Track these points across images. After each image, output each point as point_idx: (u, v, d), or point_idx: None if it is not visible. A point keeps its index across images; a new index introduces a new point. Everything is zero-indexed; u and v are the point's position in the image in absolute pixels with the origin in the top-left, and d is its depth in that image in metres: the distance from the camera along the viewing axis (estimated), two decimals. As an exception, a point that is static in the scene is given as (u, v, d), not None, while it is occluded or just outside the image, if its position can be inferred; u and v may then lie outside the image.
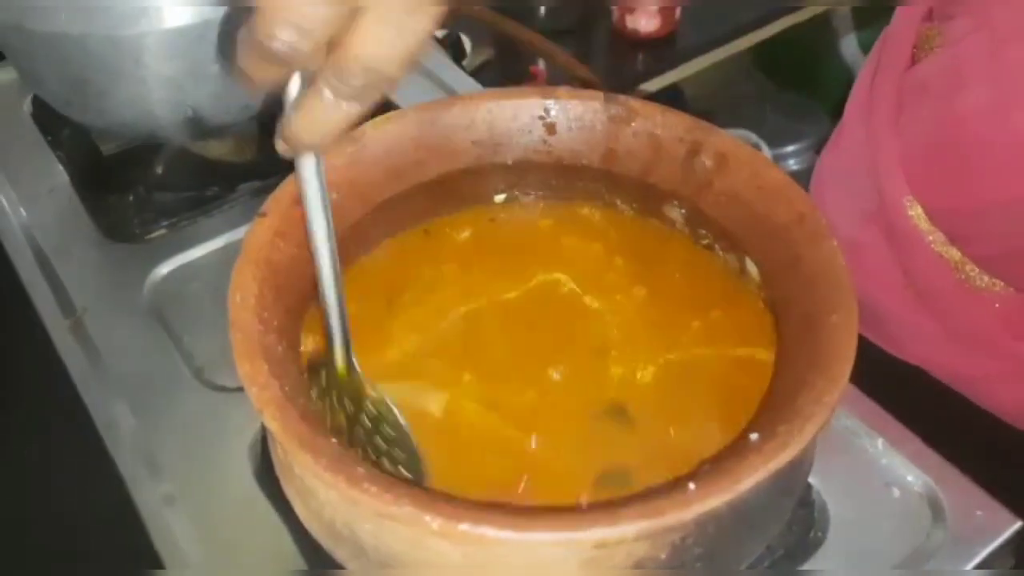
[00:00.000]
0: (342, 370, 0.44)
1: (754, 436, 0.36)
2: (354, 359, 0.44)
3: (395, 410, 0.43)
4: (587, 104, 0.50)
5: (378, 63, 0.34)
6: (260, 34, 0.33)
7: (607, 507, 0.33)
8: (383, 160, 0.48)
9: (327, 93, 0.35)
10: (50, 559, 0.55)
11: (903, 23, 0.66)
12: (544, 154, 0.51)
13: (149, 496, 0.52)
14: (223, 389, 0.56)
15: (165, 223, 0.67)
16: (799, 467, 0.42)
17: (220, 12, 0.60)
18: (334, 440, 0.35)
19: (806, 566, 0.49)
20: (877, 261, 0.69)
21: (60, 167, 0.72)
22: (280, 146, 0.38)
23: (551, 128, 0.50)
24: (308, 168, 0.39)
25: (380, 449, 0.42)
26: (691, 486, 0.34)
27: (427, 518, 0.32)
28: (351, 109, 0.36)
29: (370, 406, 0.43)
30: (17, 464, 0.60)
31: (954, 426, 0.66)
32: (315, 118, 0.36)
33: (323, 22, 0.33)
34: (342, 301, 0.43)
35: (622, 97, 0.50)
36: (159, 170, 0.69)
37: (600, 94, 0.50)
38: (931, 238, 0.64)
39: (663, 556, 0.36)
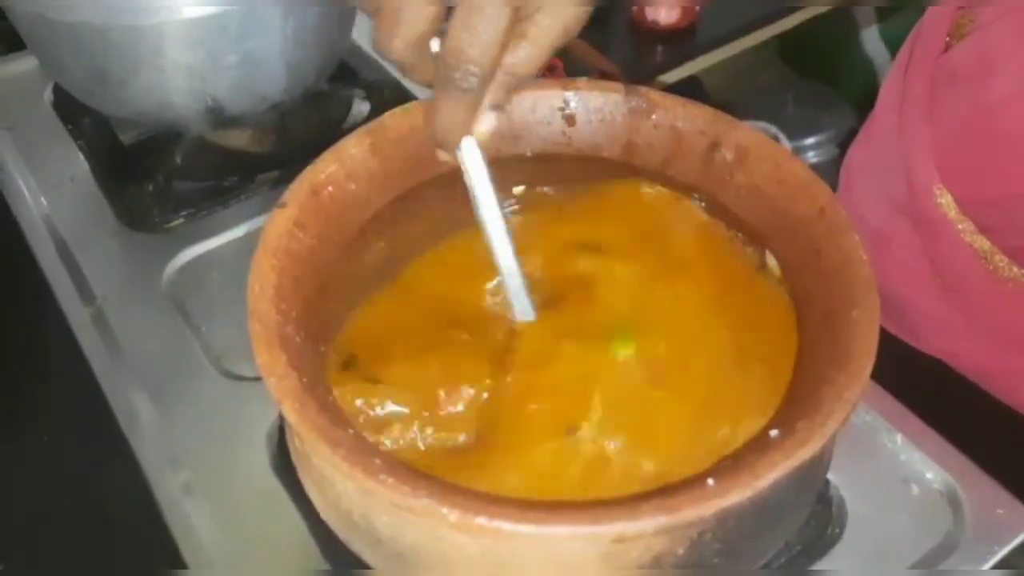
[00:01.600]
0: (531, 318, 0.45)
1: (774, 432, 0.36)
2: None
3: None
4: (607, 96, 0.49)
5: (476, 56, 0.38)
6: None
7: (627, 501, 0.33)
8: (402, 151, 0.47)
9: (451, 90, 0.39)
10: (68, 547, 0.56)
11: (938, 11, 0.65)
12: (564, 146, 0.51)
13: (167, 485, 0.52)
14: (241, 378, 0.57)
15: (184, 213, 0.67)
16: (819, 463, 0.41)
17: (238, 2, 0.60)
18: (351, 431, 0.35)
19: (823, 563, 0.48)
20: (905, 253, 0.69)
21: (81, 156, 0.73)
22: (440, 155, 0.42)
23: (571, 120, 0.50)
24: (469, 155, 0.42)
25: None
26: (710, 481, 0.33)
27: (444, 510, 0.32)
28: (474, 99, 0.39)
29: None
30: (36, 452, 0.60)
31: (975, 422, 0.65)
32: (447, 116, 0.40)
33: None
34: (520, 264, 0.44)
35: (643, 89, 0.49)
36: (178, 160, 0.69)
37: (621, 86, 0.49)
38: (960, 227, 0.63)
39: (681, 551, 0.36)
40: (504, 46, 0.38)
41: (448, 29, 0.38)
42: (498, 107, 0.41)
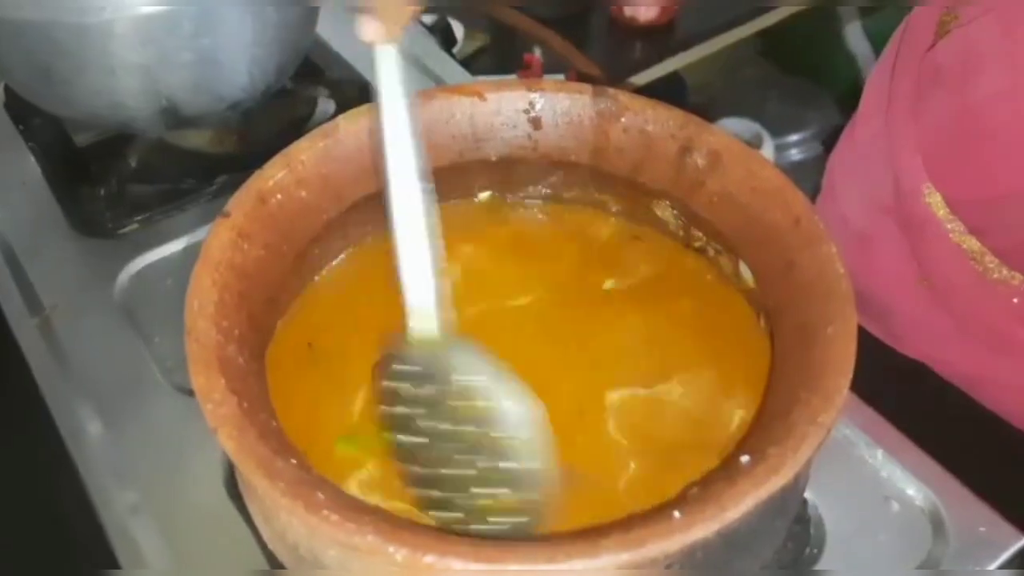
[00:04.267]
0: (432, 333, 0.38)
1: (745, 459, 0.34)
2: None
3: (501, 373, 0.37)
4: (575, 98, 0.47)
5: None
6: None
7: (586, 537, 0.31)
8: (358, 155, 0.45)
9: None
10: (10, 564, 0.53)
11: (924, 9, 0.63)
12: (529, 150, 0.49)
13: (114, 504, 0.50)
14: (194, 393, 0.54)
15: (139, 217, 0.64)
16: (792, 489, 0.39)
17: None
18: (294, 461, 0.33)
19: (802, 583, 0.47)
20: (890, 254, 0.67)
21: (32, 159, 0.70)
22: (366, 29, 0.36)
23: (537, 123, 0.48)
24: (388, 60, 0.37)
25: (467, 436, 0.37)
26: (676, 514, 0.31)
27: (391, 549, 0.30)
28: None
29: (458, 376, 0.37)
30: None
31: (959, 431, 0.64)
32: None
33: None
34: (434, 247, 0.37)
35: (612, 90, 0.47)
36: (133, 162, 0.67)
37: (588, 87, 0.47)
38: (949, 227, 0.61)
39: (648, 584, 0.34)
40: None
41: None
42: None
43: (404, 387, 0.38)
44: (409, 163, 0.38)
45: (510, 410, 0.36)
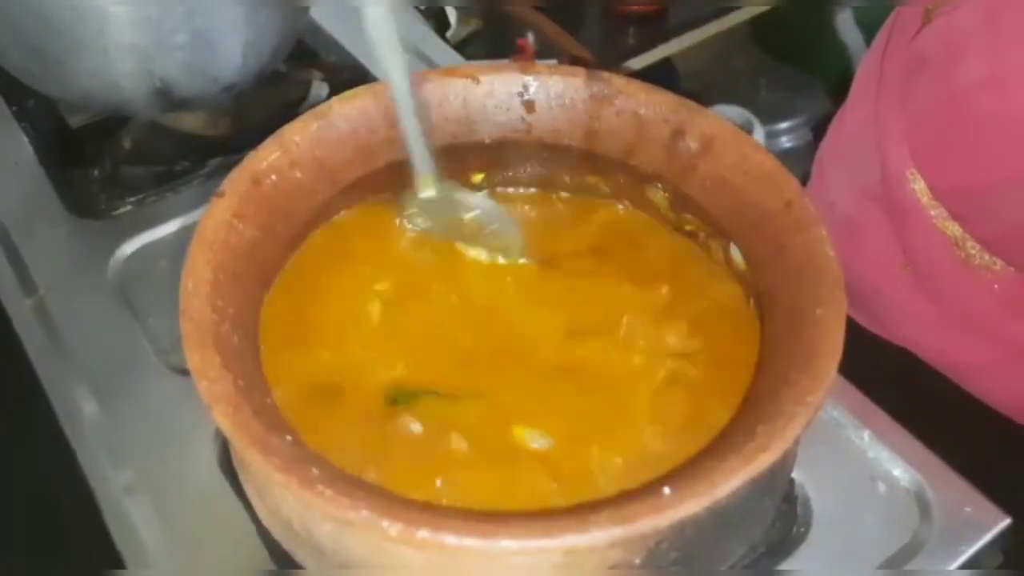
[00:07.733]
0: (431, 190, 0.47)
1: (734, 437, 0.34)
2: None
3: (492, 200, 0.48)
4: (568, 81, 0.47)
5: None
6: None
7: (578, 513, 0.31)
8: (351, 138, 0.45)
9: None
10: (4, 546, 0.53)
11: None
12: (523, 133, 0.49)
13: (109, 485, 0.50)
14: (189, 373, 0.54)
15: (132, 199, 0.64)
16: (781, 468, 0.40)
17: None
18: (289, 438, 0.33)
19: (788, 563, 0.47)
20: (876, 240, 0.68)
21: (25, 139, 0.69)
22: None
23: (530, 106, 0.48)
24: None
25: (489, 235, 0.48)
26: (666, 491, 0.32)
27: (384, 523, 0.31)
28: None
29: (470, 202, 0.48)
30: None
31: (944, 414, 0.64)
32: None
33: None
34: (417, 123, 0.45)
35: (605, 74, 0.47)
36: (127, 144, 0.67)
37: (582, 71, 0.47)
38: (932, 213, 0.62)
39: (637, 561, 0.35)
40: None
41: None
42: None
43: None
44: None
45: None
